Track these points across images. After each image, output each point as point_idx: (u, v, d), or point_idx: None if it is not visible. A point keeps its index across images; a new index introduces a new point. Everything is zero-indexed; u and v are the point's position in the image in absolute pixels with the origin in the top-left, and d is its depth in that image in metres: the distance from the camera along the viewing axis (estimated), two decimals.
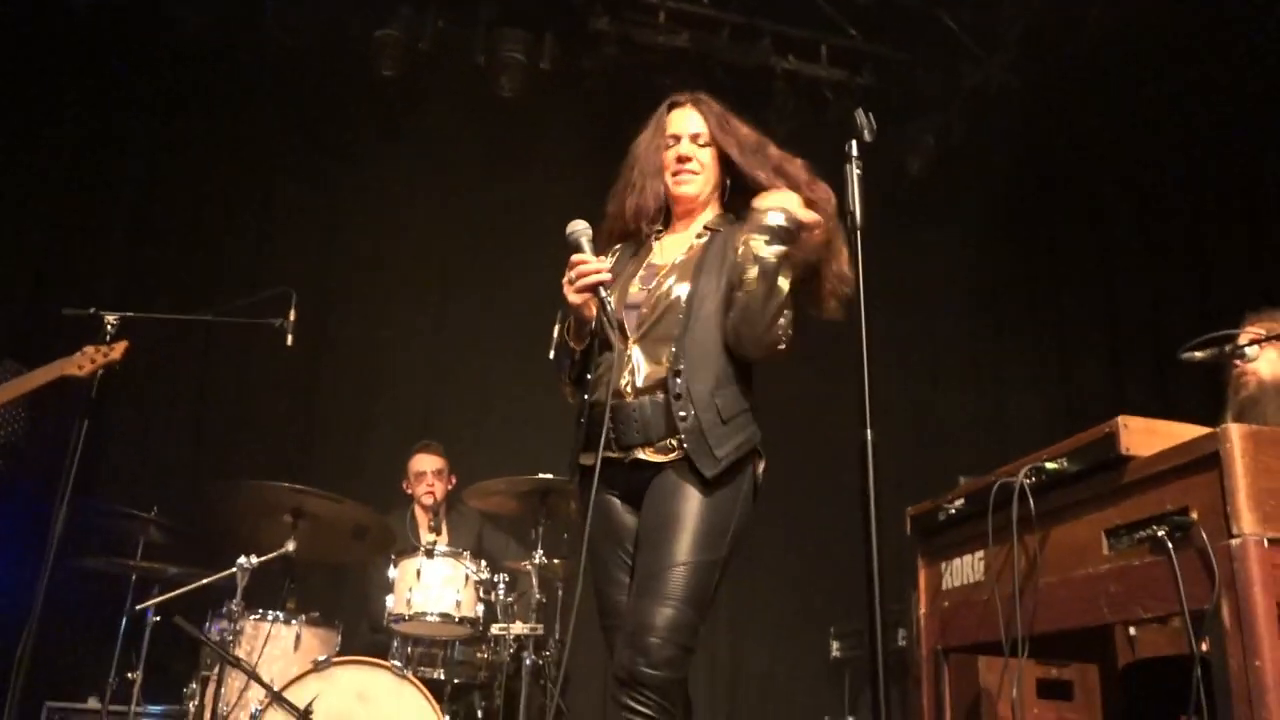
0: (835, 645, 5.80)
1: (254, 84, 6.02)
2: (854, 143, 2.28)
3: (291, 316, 3.93)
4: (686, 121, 2.66)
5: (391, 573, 4.12)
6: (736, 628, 6.20)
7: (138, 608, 4.07)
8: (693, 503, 2.31)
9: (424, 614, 4.01)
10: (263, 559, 3.89)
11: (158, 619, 4.04)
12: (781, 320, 2.41)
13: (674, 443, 2.36)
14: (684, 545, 2.27)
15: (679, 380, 2.36)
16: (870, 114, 2.29)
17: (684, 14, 6.12)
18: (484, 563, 4.20)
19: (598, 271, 2.44)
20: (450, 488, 5.00)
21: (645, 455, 2.39)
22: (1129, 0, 5.39)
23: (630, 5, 6.03)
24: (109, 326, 3.84)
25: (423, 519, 4.95)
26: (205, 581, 3.95)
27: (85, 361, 3.80)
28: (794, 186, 2.52)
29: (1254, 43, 5.50)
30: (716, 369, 2.40)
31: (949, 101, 6.37)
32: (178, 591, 3.96)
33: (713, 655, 6.05)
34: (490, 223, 6.34)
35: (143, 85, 5.93)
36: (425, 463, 4.97)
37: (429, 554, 4.08)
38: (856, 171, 2.27)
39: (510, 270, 5.94)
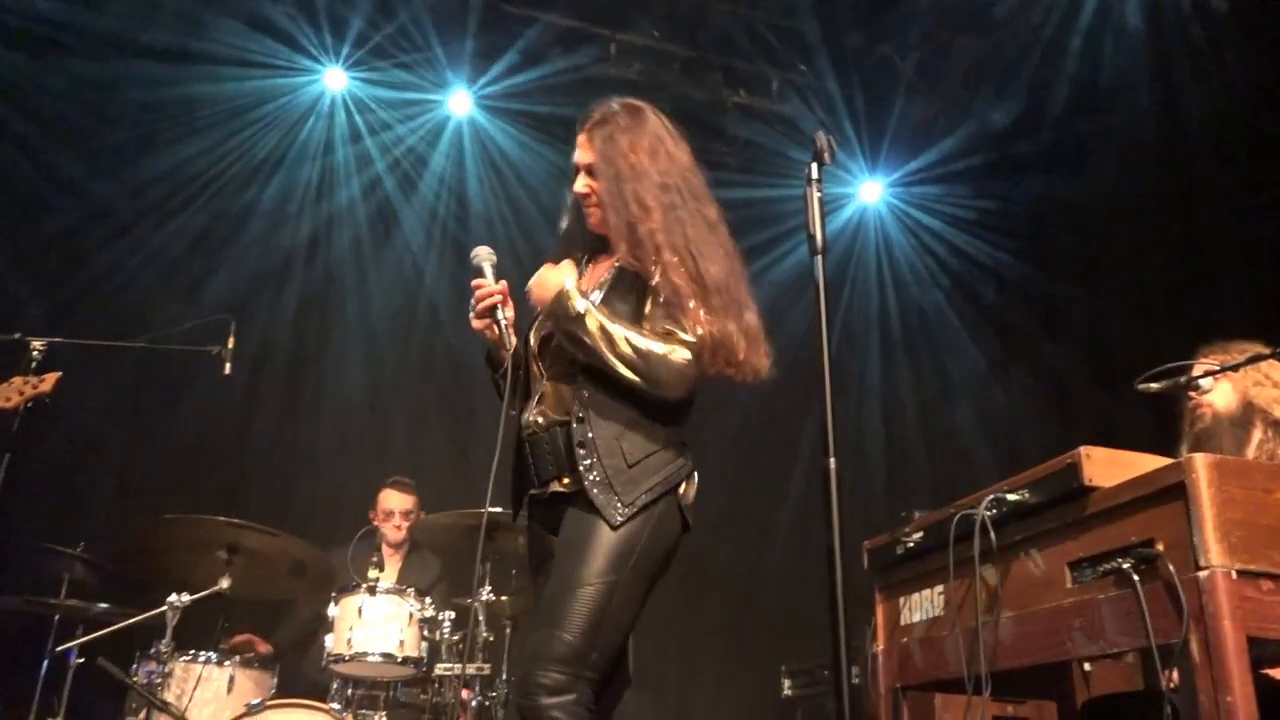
0: (787, 684, 5.72)
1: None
2: (814, 165, 2.25)
3: (230, 344, 3.81)
4: (579, 151, 2.57)
5: (332, 610, 3.97)
6: (684, 664, 6.10)
7: (59, 649, 3.89)
8: (594, 528, 2.24)
9: (365, 654, 3.85)
10: (195, 596, 3.75)
11: (81, 661, 3.85)
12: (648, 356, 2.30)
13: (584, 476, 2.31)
14: (578, 570, 2.21)
15: (581, 427, 2.31)
16: (832, 136, 2.26)
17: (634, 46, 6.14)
18: (429, 600, 4.06)
19: (491, 295, 2.46)
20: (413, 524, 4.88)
21: (558, 487, 2.36)
22: None
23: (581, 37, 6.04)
24: (35, 353, 3.71)
25: (383, 554, 4.80)
26: (133, 621, 3.80)
27: (13, 393, 3.62)
28: (631, 233, 2.41)
29: None
30: (622, 411, 2.33)
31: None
32: (103, 631, 3.79)
33: (658, 692, 5.95)
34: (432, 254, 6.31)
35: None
36: (396, 500, 4.83)
37: (371, 591, 3.94)
38: (817, 194, 2.23)
39: (455, 297, 5.88)
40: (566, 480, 2.33)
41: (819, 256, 2.22)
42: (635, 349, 2.29)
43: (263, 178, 6.20)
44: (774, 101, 6.29)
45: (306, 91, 6.24)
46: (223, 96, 5.95)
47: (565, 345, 2.36)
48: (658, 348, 2.30)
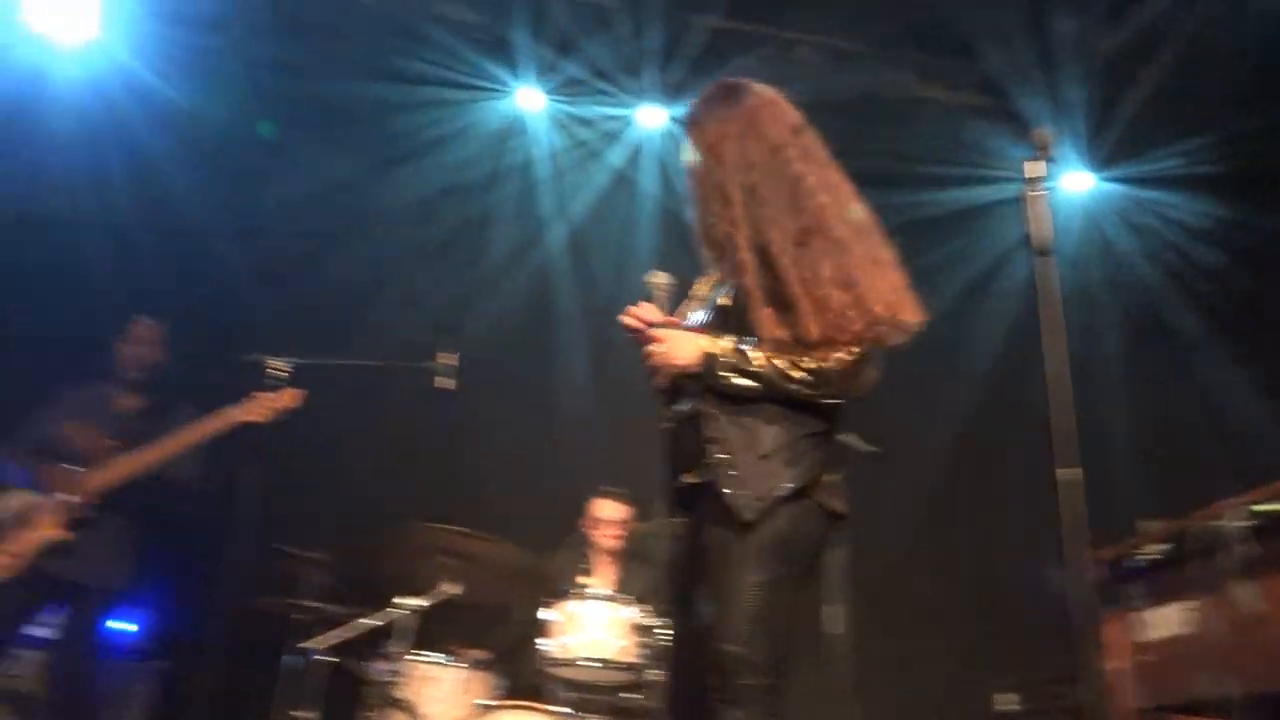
0: (1002, 700, 5.48)
1: None
2: (1035, 162, 2.17)
3: (451, 359, 3.99)
4: (683, 150, 2.50)
5: (549, 615, 4.10)
6: (893, 676, 5.95)
7: (300, 647, 4.17)
8: (734, 529, 2.17)
9: (583, 659, 3.96)
10: (425, 600, 3.92)
11: (320, 659, 4.11)
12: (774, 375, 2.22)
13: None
14: (727, 577, 2.16)
15: (711, 419, 2.25)
16: (1051, 130, 2.17)
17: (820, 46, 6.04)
18: (644, 607, 4.13)
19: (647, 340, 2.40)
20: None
21: (691, 479, 2.30)
22: None
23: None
24: (279, 373, 4.02)
25: (596, 562, 4.92)
26: (368, 623, 4.01)
27: (261, 409, 3.97)
28: (709, 237, 2.36)
29: None
30: (754, 403, 2.24)
31: None
32: (341, 631, 4.03)
33: (870, 705, 5.82)
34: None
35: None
36: (607, 509, 4.94)
37: (588, 597, 4.05)
38: (1039, 192, 2.15)
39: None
40: (698, 473, 2.27)
41: (1042, 256, 2.14)
42: (805, 374, 2.20)
43: (479, 194, 6.45)
44: (974, 94, 6.07)
45: (505, 109, 6.44)
46: (433, 119, 6.23)
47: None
48: (812, 364, 2.20)
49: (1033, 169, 2.18)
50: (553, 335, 6.32)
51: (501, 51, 6.02)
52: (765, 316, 2.23)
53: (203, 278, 5.84)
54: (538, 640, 4.25)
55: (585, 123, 6.50)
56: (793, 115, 2.42)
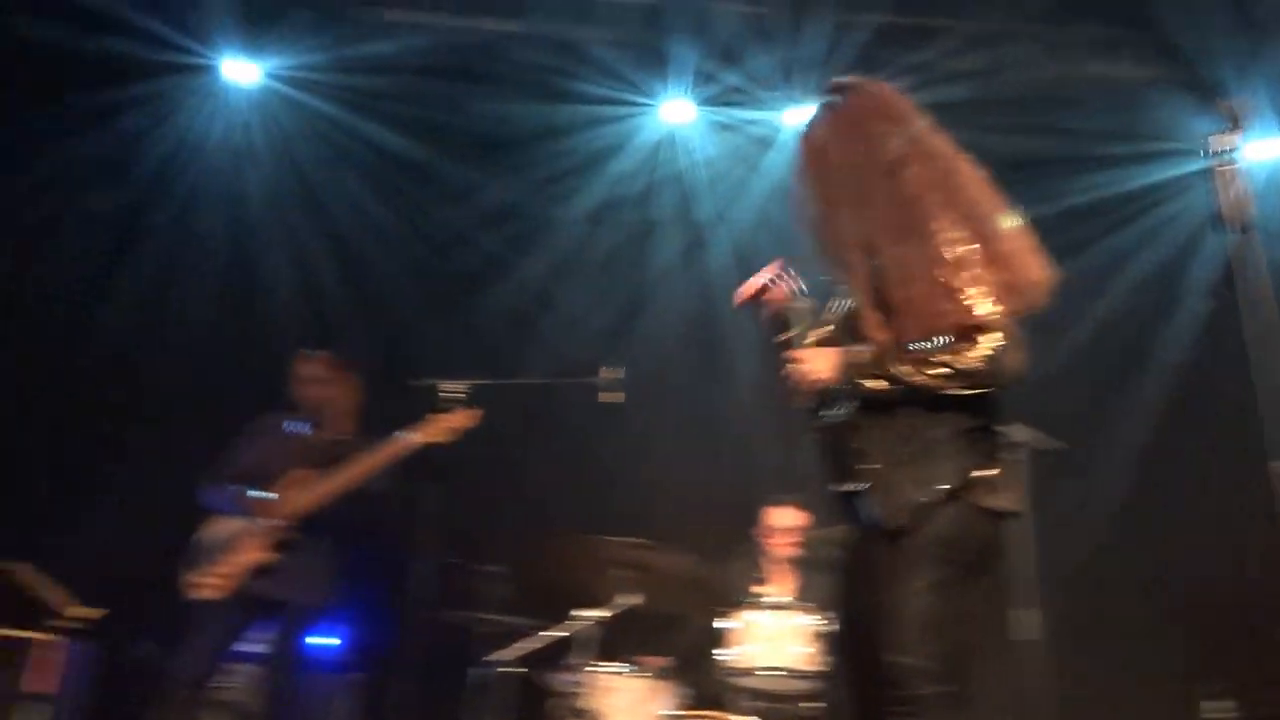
0: (1213, 708, 5.15)
1: None
2: (1224, 136, 2.03)
3: (620, 374, 4.04)
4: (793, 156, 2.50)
5: (728, 624, 4.09)
6: (1087, 688, 5.66)
7: (486, 659, 4.29)
8: (891, 536, 2.15)
9: (766, 668, 3.93)
10: (605, 612, 3.96)
11: (506, 671, 4.21)
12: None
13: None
14: (891, 586, 2.12)
15: (860, 424, 2.24)
16: (1243, 102, 2.03)
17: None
18: (825, 615, 4.07)
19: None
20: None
21: (848, 487, 2.27)
22: None
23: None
24: (455, 395, 4.18)
25: (771, 570, 4.89)
26: (550, 635, 4.09)
27: (438, 430, 4.14)
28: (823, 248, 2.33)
29: None
30: (905, 405, 2.21)
31: None
32: (524, 644, 4.13)
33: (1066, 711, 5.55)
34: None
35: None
36: (783, 517, 4.91)
37: (766, 606, 4.02)
38: (1229, 165, 2.02)
39: None
40: (850, 483, 2.25)
41: (1241, 233, 2.00)
42: (942, 369, 2.16)
43: (636, 208, 6.49)
44: (1151, 66, 5.73)
45: (652, 122, 6.47)
46: (588, 139, 6.33)
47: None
48: (947, 357, 2.16)
49: (1222, 142, 2.04)
50: (718, 343, 6.31)
51: (654, 66, 6.04)
52: (872, 319, 2.23)
53: (378, 306, 6.12)
54: (716, 650, 4.25)
55: (736, 129, 6.46)
56: (898, 109, 2.37)
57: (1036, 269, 2.17)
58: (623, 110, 6.25)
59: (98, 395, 5.79)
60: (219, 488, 4.33)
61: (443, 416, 4.18)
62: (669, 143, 6.49)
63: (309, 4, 5.79)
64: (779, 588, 4.69)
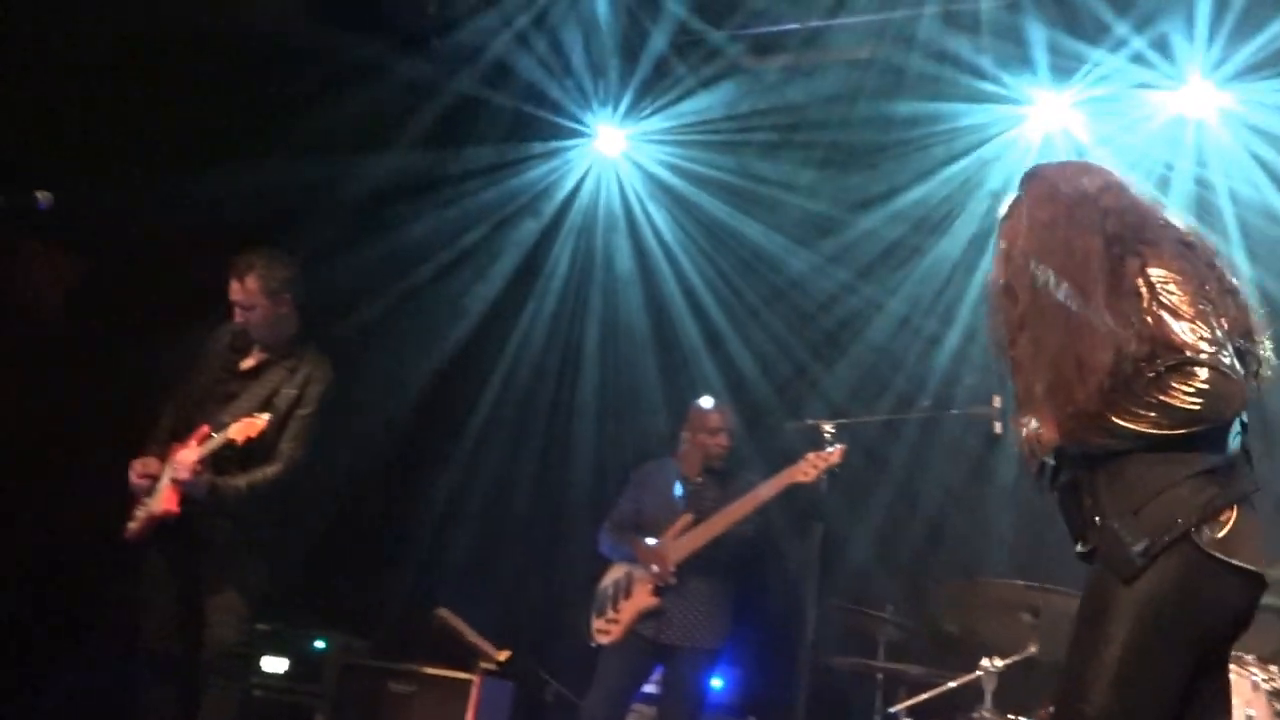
0: None
1: None
2: None
3: (996, 403, 3.77)
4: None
5: None
6: None
7: (890, 710, 4.16)
8: (1109, 586, 2.09)
9: None
10: (1006, 661, 3.71)
11: None
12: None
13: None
14: (1091, 633, 2.09)
15: (1087, 481, 2.20)
16: None
17: None
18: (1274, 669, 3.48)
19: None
20: None
21: (1081, 548, 2.25)
22: None
23: None
24: (826, 434, 4.15)
25: None
26: (952, 685, 3.87)
27: (809, 469, 4.14)
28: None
29: None
30: (1127, 453, 2.12)
31: None
32: (925, 695, 3.94)
33: None
34: None
35: None
36: None
37: None
38: None
39: None
40: (1086, 542, 2.22)
41: None
42: (1150, 413, 2.07)
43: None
44: None
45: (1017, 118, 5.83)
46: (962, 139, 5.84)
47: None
48: (1154, 398, 2.07)
49: None
50: None
51: (1022, 62, 5.51)
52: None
53: (750, 348, 6.09)
54: None
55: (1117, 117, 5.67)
56: (1072, 184, 2.34)
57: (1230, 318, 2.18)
58: (982, 114, 5.74)
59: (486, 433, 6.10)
60: (610, 535, 4.57)
61: (817, 455, 4.15)
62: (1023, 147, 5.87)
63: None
64: None
